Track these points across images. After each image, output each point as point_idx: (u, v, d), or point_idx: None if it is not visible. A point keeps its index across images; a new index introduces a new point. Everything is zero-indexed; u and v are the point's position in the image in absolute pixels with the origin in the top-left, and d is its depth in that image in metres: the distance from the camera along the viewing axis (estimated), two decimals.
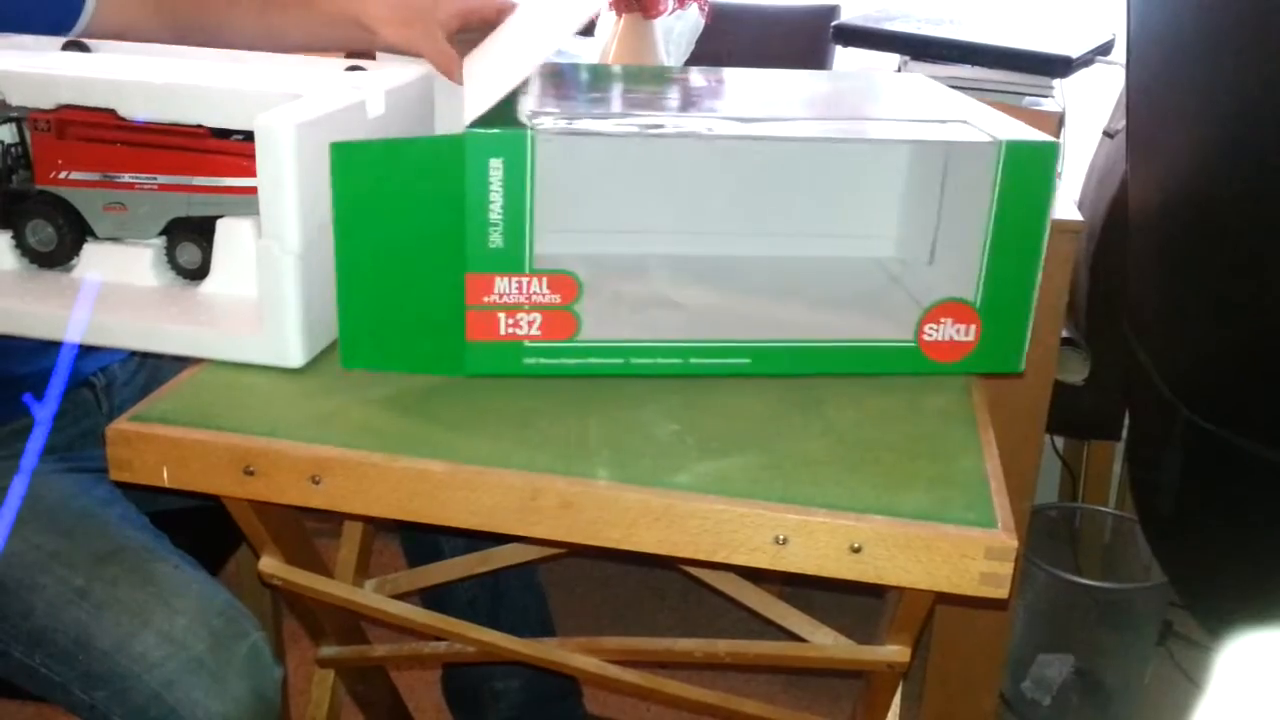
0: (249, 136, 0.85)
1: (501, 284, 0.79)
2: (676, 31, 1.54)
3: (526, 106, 0.85)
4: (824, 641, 0.94)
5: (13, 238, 0.90)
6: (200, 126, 0.85)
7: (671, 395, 0.82)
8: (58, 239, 0.89)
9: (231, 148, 0.87)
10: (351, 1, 1.05)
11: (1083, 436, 1.89)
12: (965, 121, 0.88)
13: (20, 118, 0.90)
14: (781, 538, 0.69)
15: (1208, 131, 1.14)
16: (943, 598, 0.71)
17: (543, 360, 0.82)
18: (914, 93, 1.02)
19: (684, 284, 0.95)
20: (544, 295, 0.80)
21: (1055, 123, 1.46)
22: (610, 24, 1.45)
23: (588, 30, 1.50)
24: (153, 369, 1.16)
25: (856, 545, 0.68)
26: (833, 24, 1.56)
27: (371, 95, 0.87)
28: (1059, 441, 1.97)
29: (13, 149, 0.92)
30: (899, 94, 1.01)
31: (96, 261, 0.90)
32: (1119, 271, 1.46)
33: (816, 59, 1.83)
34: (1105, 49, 1.52)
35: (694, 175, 1.00)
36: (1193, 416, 1.20)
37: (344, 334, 0.80)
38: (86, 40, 1.00)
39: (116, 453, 0.75)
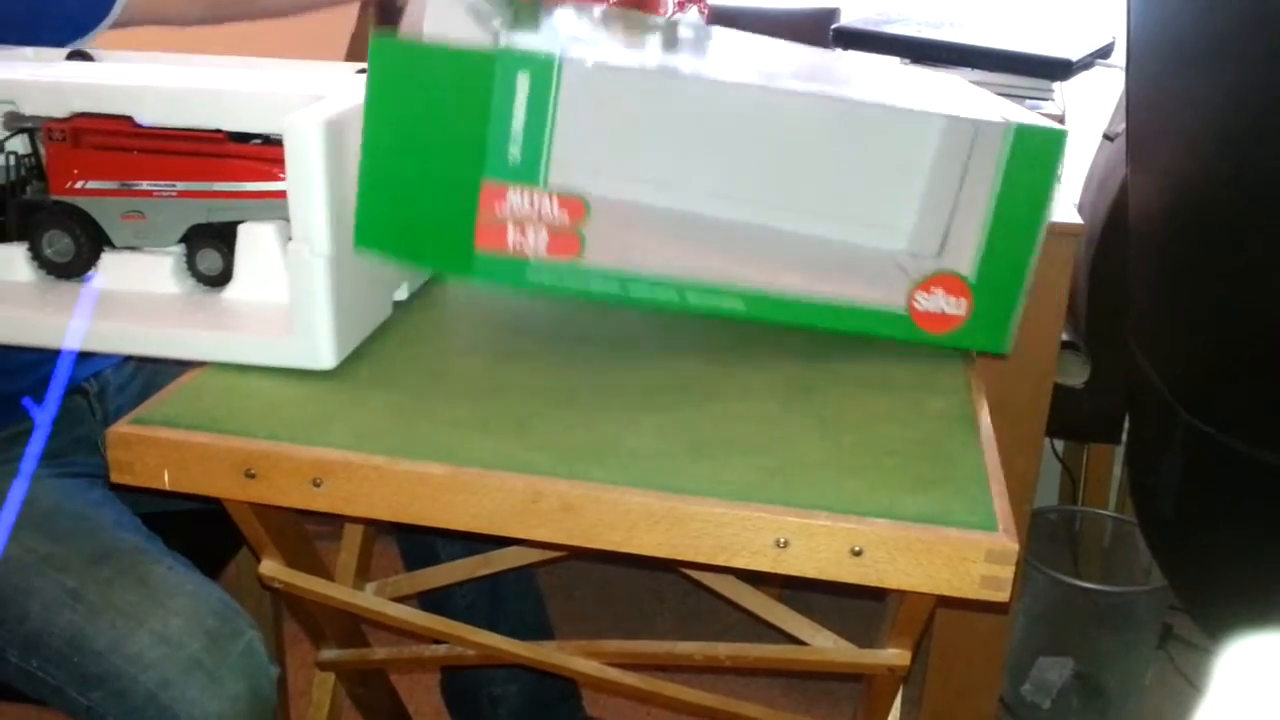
0: (268, 140, 0.85)
1: (514, 197, 0.81)
2: None
3: (564, 35, 0.87)
4: (824, 645, 0.94)
5: (29, 249, 0.89)
6: (219, 131, 0.85)
7: (672, 398, 0.82)
8: (75, 249, 0.89)
9: (251, 152, 0.86)
10: None
11: (1082, 440, 1.89)
12: (982, 104, 0.89)
13: (33, 128, 0.89)
14: (782, 541, 0.69)
15: (1208, 135, 1.14)
16: (943, 601, 0.71)
17: (545, 278, 0.83)
18: (907, 76, 1.02)
19: (688, 234, 0.96)
20: (554, 214, 0.82)
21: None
22: None
23: None
24: (149, 374, 1.16)
25: (857, 548, 0.68)
26: (833, 27, 1.56)
27: None
28: (1059, 444, 1.97)
29: (26, 160, 0.92)
30: (897, 76, 1.01)
31: (115, 271, 0.89)
32: (1119, 275, 1.46)
33: None
34: (1105, 52, 1.52)
35: (717, 131, 1.00)
36: (1193, 420, 1.20)
37: (360, 216, 0.81)
38: (92, 50, 1.00)
39: (117, 455, 0.75)
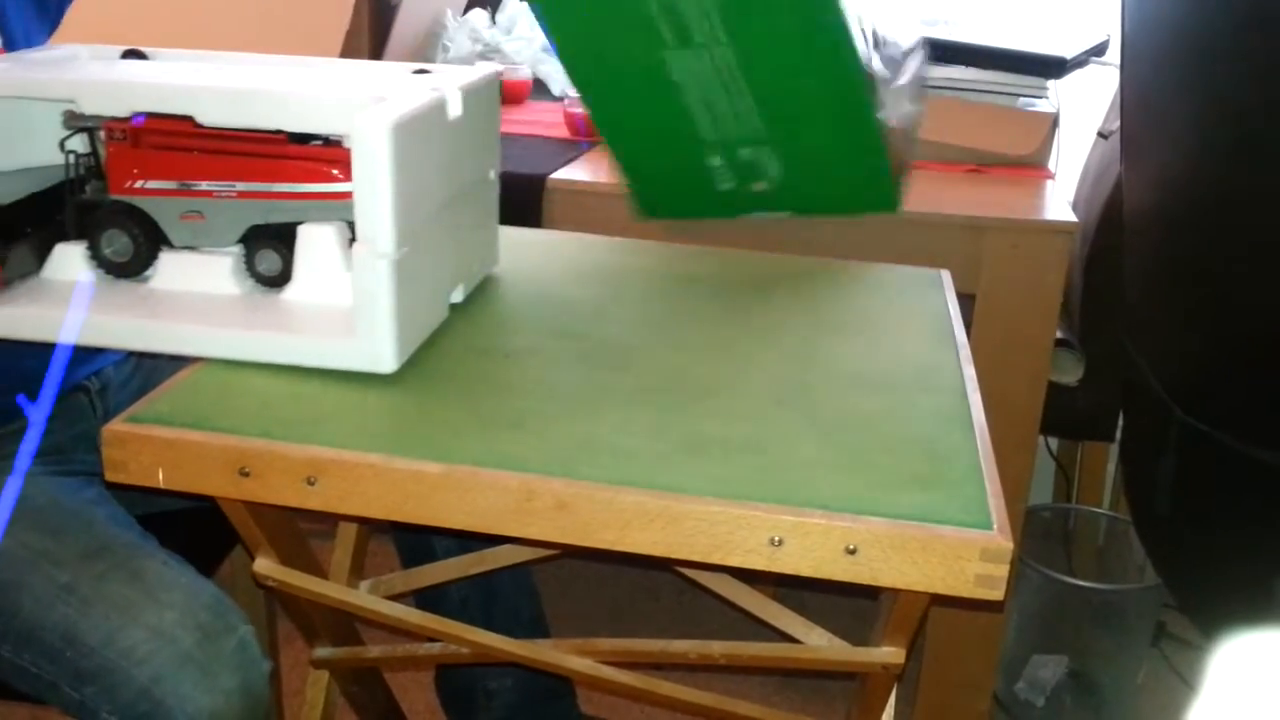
0: (328, 141, 0.84)
1: None
2: None
3: None
4: (819, 643, 0.95)
5: (88, 248, 0.89)
6: (279, 132, 0.84)
7: (667, 396, 0.82)
8: (134, 249, 0.88)
9: (312, 153, 0.85)
10: None
11: (1077, 437, 1.89)
12: None
13: (93, 127, 0.89)
14: (777, 539, 0.69)
15: (1202, 132, 1.14)
16: (938, 599, 0.71)
17: None
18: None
19: None
20: None
21: (1049, 123, 1.47)
22: None
23: None
24: (149, 371, 1.16)
25: (852, 547, 0.68)
26: None
27: (450, 95, 0.87)
28: (1053, 442, 1.97)
29: (84, 159, 0.91)
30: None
31: (173, 271, 0.89)
32: (1113, 272, 1.46)
33: None
34: (1099, 50, 1.52)
35: None
36: (1187, 418, 1.20)
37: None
38: (145, 49, 1.00)
39: (112, 454, 0.75)
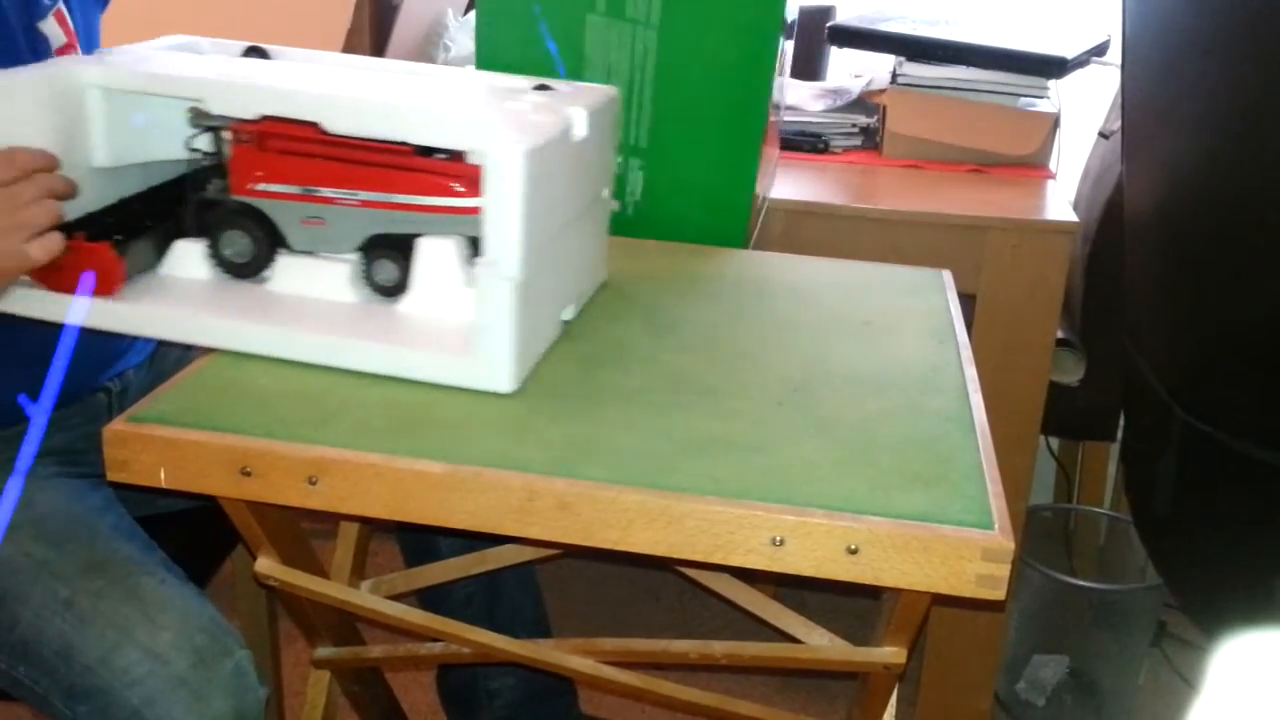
0: (453, 156, 0.84)
1: None
2: None
3: None
4: (820, 643, 0.95)
5: (209, 247, 0.89)
6: (405, 144, 0.83)
7: (668, 397, 0.82)
8: (254, 250, 0.88)
9: (437, 167, 0.85)
10: None
11: (1078, 437, 1.89)
12: None
13: (218, 127, 0.89)
14: (778, 539, 0.69)
15: (1203, 133, 1.14)
16: (939, 599, 0.71)
17: None
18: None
19: None
20: None
21: (1050, 123, 1.47)
22: None
23: None
24: (168, 373, 1.16)
25: (853, 546, 0.68)
26: (828, 25, 1.56)
27: (577, 116, 0.86)
28: (1054, 442, 1.97)
29: (208, 158, 0.91)
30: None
31: (291, 274, 0.89)
32: (1114, 272, 1.47)
33: (812, 60, 1.83)
34: (1100, 50, 1.52)
35: None
36: (1188, 417, 1.20)
37: None
38: (266, 46, 0.99)
39: (113, 453, 0.75)
